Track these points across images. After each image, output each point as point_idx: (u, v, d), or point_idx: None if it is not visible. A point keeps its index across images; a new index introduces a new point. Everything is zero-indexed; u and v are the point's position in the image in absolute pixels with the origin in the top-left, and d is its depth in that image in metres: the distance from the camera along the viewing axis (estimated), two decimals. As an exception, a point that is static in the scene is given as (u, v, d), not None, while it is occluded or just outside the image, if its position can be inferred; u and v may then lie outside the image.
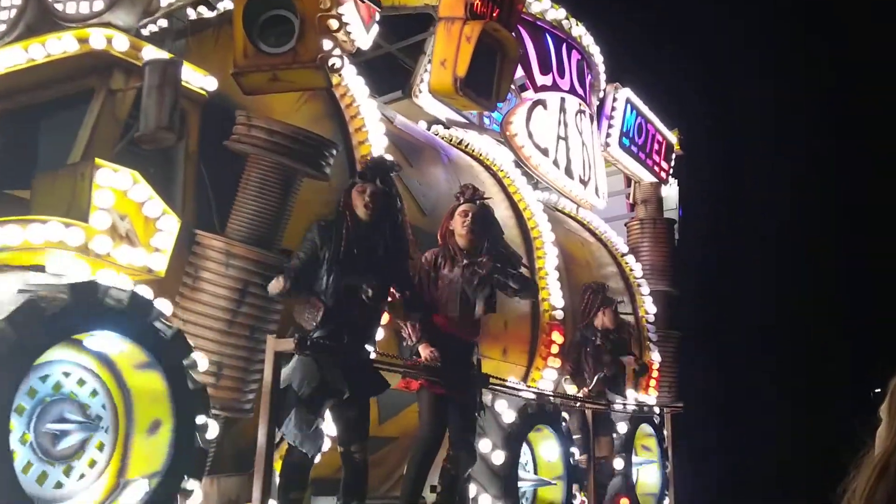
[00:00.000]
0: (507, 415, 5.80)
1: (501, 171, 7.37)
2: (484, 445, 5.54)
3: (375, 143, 5.53)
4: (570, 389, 6.81)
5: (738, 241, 11.07)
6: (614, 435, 7.41)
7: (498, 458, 5.61)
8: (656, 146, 10.07)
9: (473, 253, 4.80)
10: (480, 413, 4.90)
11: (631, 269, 9.34)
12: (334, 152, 4.88)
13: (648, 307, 9.23)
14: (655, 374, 9.07)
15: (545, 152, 7.76)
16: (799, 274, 10.78)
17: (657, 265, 9.63)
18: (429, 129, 7.38)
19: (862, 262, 11.02)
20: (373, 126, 5.56)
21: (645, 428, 8.01)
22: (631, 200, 10.14)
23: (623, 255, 9.40)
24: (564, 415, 6.40)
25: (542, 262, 7.09)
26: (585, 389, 6.78)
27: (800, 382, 10.23)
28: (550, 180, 8.06)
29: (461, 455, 4.77)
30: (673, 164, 10.62)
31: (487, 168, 7.36)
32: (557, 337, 6.95)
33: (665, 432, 8.37)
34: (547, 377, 6.89)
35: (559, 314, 7.04)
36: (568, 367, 6.89)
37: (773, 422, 10.24)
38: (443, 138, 7.43)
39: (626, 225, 9.97)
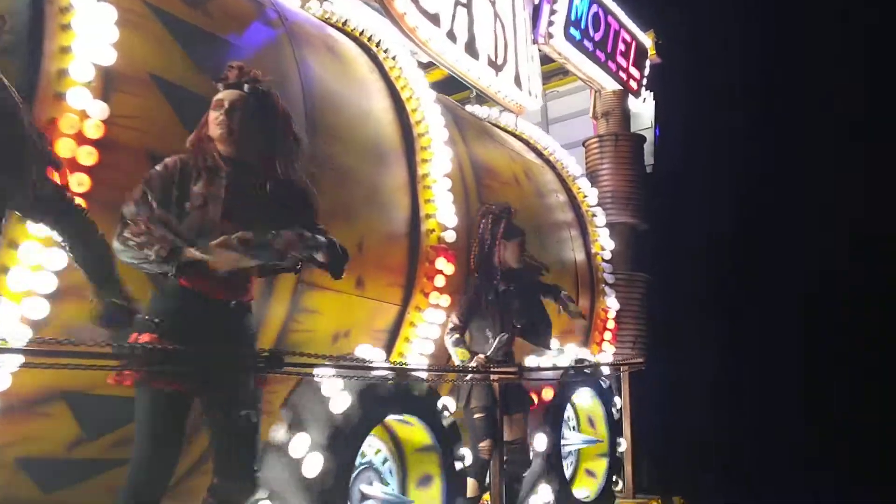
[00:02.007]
0: (339, 400, 3.99)
1: (372, 41, 5.53)
2: (297, 445, 3.78)
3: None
4: (456, 356, 5.03)
5: (723, 168, 9.11)
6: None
7: (312, 464, 3.81)
8: (622, 47, 8.14)
9: (240, 161, 3.06)
10: (254, 413, 3.11)
11: (584, 196, 7.47)
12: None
13: (604, 242, 7.38)
14: (612, 325, 7.23)
15: (435, 20, 5.89)
16: (791, 206, 8.78)
17: (619, 192, 7.77)
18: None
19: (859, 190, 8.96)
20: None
21: (584, 395, 6.20)
22: (591, 115, 8.24)
23: (575, 178, 7.53)
24: (445, 401, 4.61)
25: (426, 166, 5.27)
26: (481, 356, 4.98)
27: (790, 332, 8.30)
28: (447, 63, 6.20)
29: (227, 486, 3.05)
30: (647, 73, 8.69)
31: (356, 41, 5.53)
32: (446, 266, 5.15)
33: (620, 398, 6.54)
34: (430, 321, 5.10)
35: (450, 236, 5.23)
36: (457, 320, 5.09)
37: (764, 383, 8.31)
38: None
39: (584, 144, 8.09)
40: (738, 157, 8.58)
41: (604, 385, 6.35)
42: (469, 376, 4.86)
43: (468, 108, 7.94)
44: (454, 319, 5.09)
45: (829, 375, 8.17)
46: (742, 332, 8.18)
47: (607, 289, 7.24)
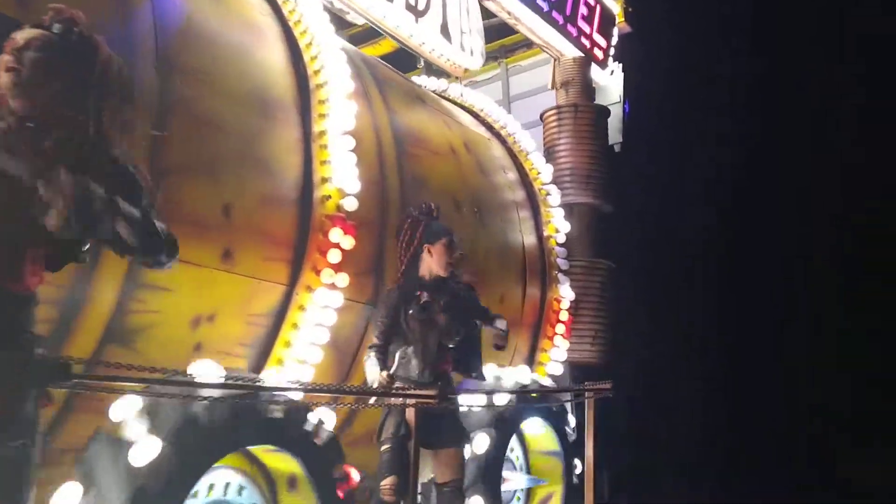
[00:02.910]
0: (143, 446, 3.09)
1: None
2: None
3: None
4: (373, 375, 4.14)
5: (697, 147, 8.22)
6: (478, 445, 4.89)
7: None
8: (584, 10, 7.34)
9: (34, 119, 2.29)
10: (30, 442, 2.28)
11: (537, 174, 6.65)
12: None
13: (559, 223, 6.55)
14: (565, 316, 6.39)
15: (336, -46, 5.10)
16: (768, 191, 7.87)
17: (579, 169, 6.94)
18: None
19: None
20: None
21: (533, 426, 5.42)
22: (550, 84, 7.43)
23: (528, 153, 6.72)
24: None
25: (323, 122, 4.47)
26: (383, 374, 4.07)
27: (767, 327, 7.39)
28: (359, 7, 5.39)
29: None
30: (615, 42, 7.88)
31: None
32: (342, 238, 4.33)
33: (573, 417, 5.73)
34: (323, 303, 4.28)
35: (350, 204, 4.42)
36: (376, 338, 4.23)
37: (740, 383, 7.40)
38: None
39: (541, 117, 7.28)
40: (713, 137, 7.73)
41: (553, 407, 5.56)
42: (373, 399, 3.99)
43: (416, 78, 7.16)
44: (375, 336, 4.22)
45: (809, 370, 7.32)
46: (717, 326, 7.32)
47: (560, 276, 6.41)
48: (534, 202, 6.53)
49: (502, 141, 6.76)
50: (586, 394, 5.27)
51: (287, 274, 4.24)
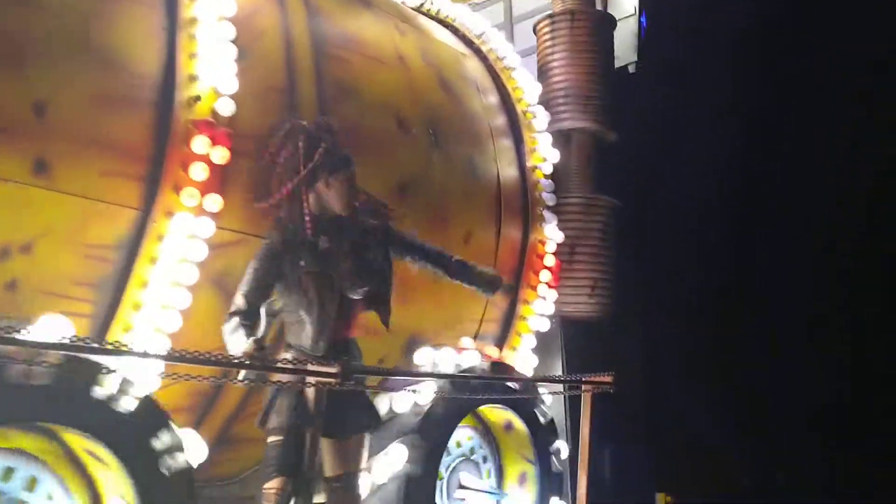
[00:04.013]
0: None
1: None
2: None
3: None
4: (239, 347, 3.13)
5: (727, 72, 6.70)
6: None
7: None
8: None
9: None
10: None
11: (522, 93, 5.57)
12: None
13: (545, 151, 5.47)
14: (551, 261, 5.33)
15: None
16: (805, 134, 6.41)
17: (576, 87, 5.79)
18: None
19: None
20: None
21: (500, 417, 4.47)
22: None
23: (511, 71, 5.64)
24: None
25: (192, 5, 3.53)
26: (251, 342, 3.01)
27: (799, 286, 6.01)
28: None
29: None
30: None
31: None
32: (211, 150, 3.40)
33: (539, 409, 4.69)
34: (189, 232, 3.37)
35: (225, 107, 3.48)
36: (240, 298, 3.24)
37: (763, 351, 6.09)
38: None
39: (534, 30, 6.16)
40: (745, 59, 6.39)
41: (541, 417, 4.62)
42: (242, 375, 3.01)
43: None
44: (236, 298, 3.21)
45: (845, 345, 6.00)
46: (743, 281, 6.09)
47: (546, 214, 5.34)
48: (516, 129, 5.45)
49: (482, 58, 5.69)
50: (582, 387, 4.27)
51: (139, 195, 3.34)
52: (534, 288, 5.25)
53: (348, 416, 3.34)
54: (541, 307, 5.26)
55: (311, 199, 3.32)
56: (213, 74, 3.47)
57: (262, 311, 3.25)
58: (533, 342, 5.30)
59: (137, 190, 3.33)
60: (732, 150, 6.33)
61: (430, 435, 3.92)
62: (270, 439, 3.20)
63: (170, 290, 3.36)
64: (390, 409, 3.96)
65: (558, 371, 5.50)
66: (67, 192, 3.11)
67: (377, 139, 4.36)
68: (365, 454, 3.42)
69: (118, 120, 3.26)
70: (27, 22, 3.02)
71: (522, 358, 5.24)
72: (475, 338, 5.02)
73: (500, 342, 5.23)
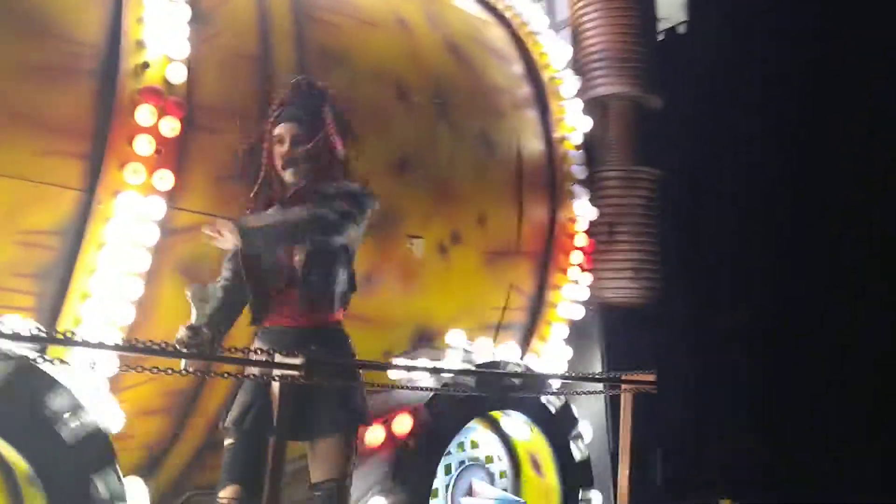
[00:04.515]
0: None
1: None
2: None
3: None
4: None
5: (781, 29, 5.83)
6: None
7: None
8: None
9: None
10: None
11: (548, 60, 5.05)
12: None
13: (574, 120, 4.94)
14: (582, 241, 4.81)
15: None
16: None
17: (612, 49, 5.23)
18: None
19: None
20: None
21: (515, 424, 3.99)
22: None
23: (537, 35, 5.13)
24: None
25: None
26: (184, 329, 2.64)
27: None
28: None
29: None
30: None
31: None
32: (160, 120, 3.06)
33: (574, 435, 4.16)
34: (137, 212, 3.04)
35: (176, 74, 3.14)
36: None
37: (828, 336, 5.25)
38: None
39: (564, -8, 5.63)
40: (807, 16, 5.59)
41: (550, 407, 4.04)
42: (183, 364, 2.62)
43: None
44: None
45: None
46: (810, 261, 5.33)
47: (576, 188, 4.81)
48: (542, 97, 4.94)
49: (506, 25, 5.20)
50: (622, 386, 3.75)
51: (80, 173, 3.04)
52: (564, 271, 4.73)
53: (319, 415, 2.92)
54: (573, 292, 4.73)
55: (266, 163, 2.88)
56: (164, 39, 3.13)
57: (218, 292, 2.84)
58: (565, 332, 4.78)
59: (78, 168, 3.02)
60: (794, 115, 5.59)
61: (412, 477, 3.43)
62: (226, 441, 2.83)
63: (120, 279, 3.04)
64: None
65: (597, 363, 4.97)
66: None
67: (372, 111, 3.93)
68: (351, 456, 2.98)
69: (54, 93, 2.96)
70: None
71: (553, 349, 4.74)
72: (498, 328, 4.55)
73: (528, 332, 4.74)
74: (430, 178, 4.15)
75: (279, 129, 2.82)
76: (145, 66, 3.10)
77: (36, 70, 2.93)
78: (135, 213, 3.02)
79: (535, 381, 3.95)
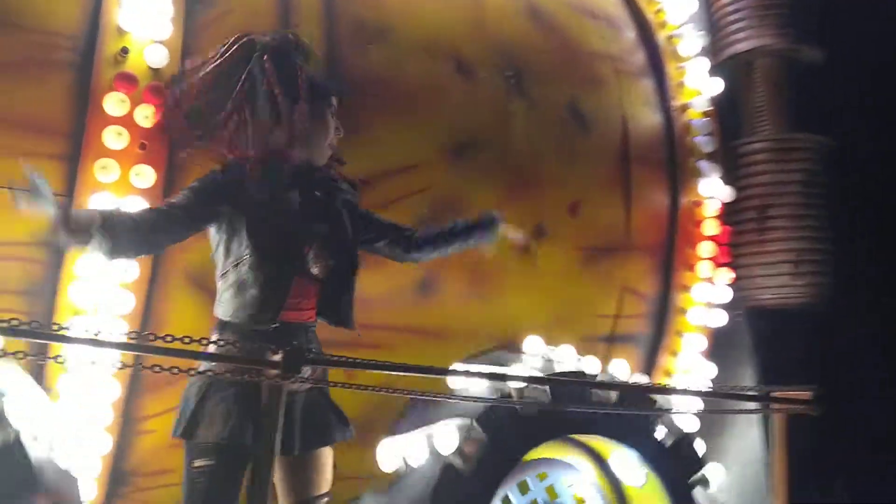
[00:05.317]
0: None
1: None
2: None
3: None
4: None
5: None
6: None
7: None
8: None
9: None
10: None
11: (664, 18, 4.20)
12: None
13: (697, 82, 4.04)
14: (713, 229, 3.87)
15: None
16: None
17: (751, -4, 4.29)
18: None
19: None
20: None
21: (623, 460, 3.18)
22: None
23: (652, -9, 4.30)
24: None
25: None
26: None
27: None
28: None
29: None
30: None
31: None
32: (134, 108, 2.70)
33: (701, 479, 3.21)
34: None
35: (156, 56, 2.77)
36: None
37: None
38: None
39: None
40: None
41: (661, 437, 3.15)
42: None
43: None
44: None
45: None
46: None
47: (702, 164, 3.88)
48: (657, 61, 4.09)
49: (617, -15, 4.42)
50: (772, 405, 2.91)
51: (63, 176, 2.74)
52: (692, 268, 3.81)
53: (308, 425, 2.37)
54: (707, 294, 3.80)
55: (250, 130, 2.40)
56: (145, 20, 2.78)
57: None
58: (703, 343, 3.85)
59: (60, 171, 2.72)
60: None
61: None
62: (197, 463, 2.32)
63: (113, 290, 2.70)
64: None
65: (748, 382, 3.95)
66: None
67: (422, 89, 3.38)
68: (328, 473, 2.44)
69: (28, 90, 2.70)
70: None
71: (689, 365, 3.82)
72: (610, 341, 3.73)
73: (654, 345, 3.87)
74: (500, 162, 3.48)
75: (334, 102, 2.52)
76: (124, 51, 2.76)
77: (7, 66, 2.69)
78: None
79: (638, 398, 3.09)
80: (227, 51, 2.38)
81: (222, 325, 2.35)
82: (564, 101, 3.72)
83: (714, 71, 4.12)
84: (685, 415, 3.18)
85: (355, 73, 3.22)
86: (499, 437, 2.77)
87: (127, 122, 2.69)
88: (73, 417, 2.67)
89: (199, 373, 2.17)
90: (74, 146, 2.73)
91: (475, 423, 2.75)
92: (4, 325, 1.81)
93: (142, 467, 2.99)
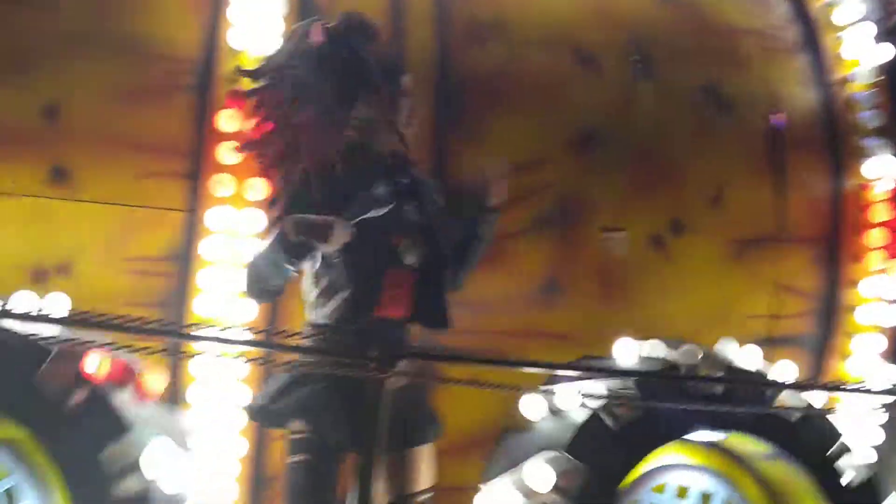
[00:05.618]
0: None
1: None
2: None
3: None
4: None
5: None
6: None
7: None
8: None
9: None
10: None
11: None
12: None
13: (859, 52, 3.58)
14: (886, 214, 3.40)
15: None
16: None
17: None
18: None
19: None
20: None
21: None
22: None
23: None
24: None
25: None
26: None
27: None
28: None
29: None
30: None
31: None
32: (242, 123, 2.76)
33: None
34: (235, 227, 2.77)
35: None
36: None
37: None
38: None
39: None
40: None
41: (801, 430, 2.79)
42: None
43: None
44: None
45: None
46: None
47: (869, 142, 3.42)
48: (810, 34, 3.67)
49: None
50: None
51: (183, 194, 2.86)
52: (860, 260, 3.37)
53: (409, 423, 2.30)
54: (880, 289, 3.34)
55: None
56: (257, 37, 2.86)
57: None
58: (881, 345, 3.39)
59: (181, 188, 2.85)
60: None
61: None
62: (294, 459, 2.31)
63: (235, 299, 2.78)
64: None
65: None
66: (94, 201, 2.78)
67: (541, 84, 3.25)
68: (428, 471, 2.36)
69: (150, 113, 2.85)
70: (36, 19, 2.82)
71: (867, 368, 3.38)
72: (770, 343, 3.37)
73: (822, 347, 3.46)
74: (627, 151, 3.26)
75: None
76: (239, 70, 2.85)
77: (134, 91, 2.86)
78: (234, 228, 2.75)
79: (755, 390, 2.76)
80: (294, 48, 2.39)
81: (317, 328, 2.34)
82: (701, 84, 3.43)
83: (882, 37, 3.64)
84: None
85: (472, 70, 3.16)
86: (596, 462, 2.55)
87: (239, 136, 2.77)
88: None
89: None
90: (196, 164, 2.85)
91: (566, 454, 2.55)
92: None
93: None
